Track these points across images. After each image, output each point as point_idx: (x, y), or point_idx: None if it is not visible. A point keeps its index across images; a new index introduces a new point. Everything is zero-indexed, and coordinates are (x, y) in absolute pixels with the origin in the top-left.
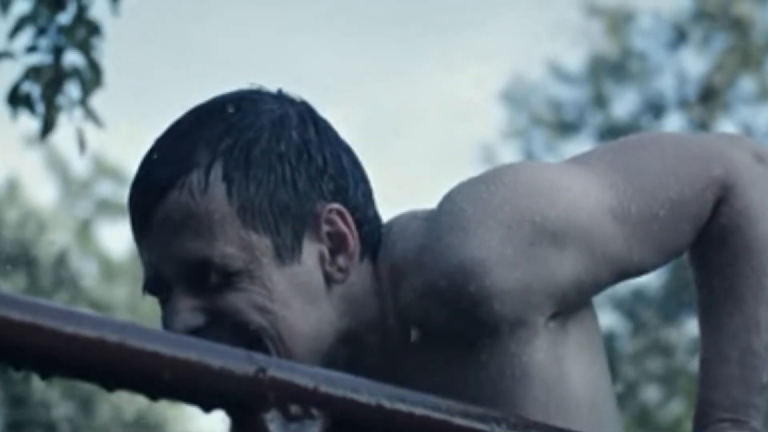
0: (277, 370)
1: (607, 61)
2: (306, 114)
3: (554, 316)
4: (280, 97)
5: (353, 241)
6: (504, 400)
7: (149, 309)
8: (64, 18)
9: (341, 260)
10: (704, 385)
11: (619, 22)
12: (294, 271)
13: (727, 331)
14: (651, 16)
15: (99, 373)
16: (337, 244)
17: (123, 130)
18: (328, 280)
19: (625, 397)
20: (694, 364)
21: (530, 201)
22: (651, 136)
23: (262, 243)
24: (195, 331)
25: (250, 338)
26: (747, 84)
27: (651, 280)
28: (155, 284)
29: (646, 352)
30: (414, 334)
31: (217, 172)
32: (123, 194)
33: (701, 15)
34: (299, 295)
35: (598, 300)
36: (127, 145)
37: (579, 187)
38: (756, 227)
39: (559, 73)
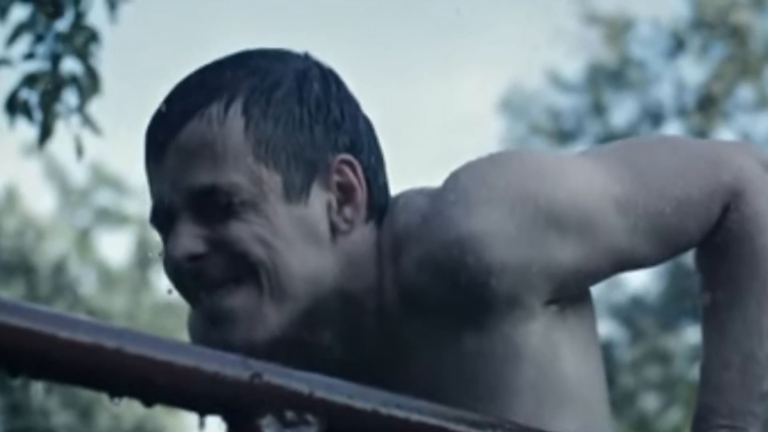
0: (273, 375)
1: (606, 69)
2: (330, 75)
3: (551, 302)
4: (307, 57)
5: (361, 194)
6: (496, 378)
7: (147, 317)
8: (62, 25)
9: (348, 211)
10: (704, 390)
11: (618, 31)
12: (300, 212)
13: (730, 337)
14: (650, 24)
15: (95, 379)
16: (345, 194)
17: (122, 137)
18: (333, 230)
19: (624, 405)
20: (692, 372)
21: (536, 183)
22: (663, 136)
23: (272, 179)
24: (194, 258)
25: (247, 270)
26: (745, 92)
27: (649, 288)
28: (161, 213)
29: (644, 360)
30: (412, 306)
31: (237, 107)
32: (122, 203)
33: (700, 23)
34: (302, 236)
35: (596, 308)
36: (125, 153)
37: (586, 176)
38: (763, 236)
39: (557, 81)
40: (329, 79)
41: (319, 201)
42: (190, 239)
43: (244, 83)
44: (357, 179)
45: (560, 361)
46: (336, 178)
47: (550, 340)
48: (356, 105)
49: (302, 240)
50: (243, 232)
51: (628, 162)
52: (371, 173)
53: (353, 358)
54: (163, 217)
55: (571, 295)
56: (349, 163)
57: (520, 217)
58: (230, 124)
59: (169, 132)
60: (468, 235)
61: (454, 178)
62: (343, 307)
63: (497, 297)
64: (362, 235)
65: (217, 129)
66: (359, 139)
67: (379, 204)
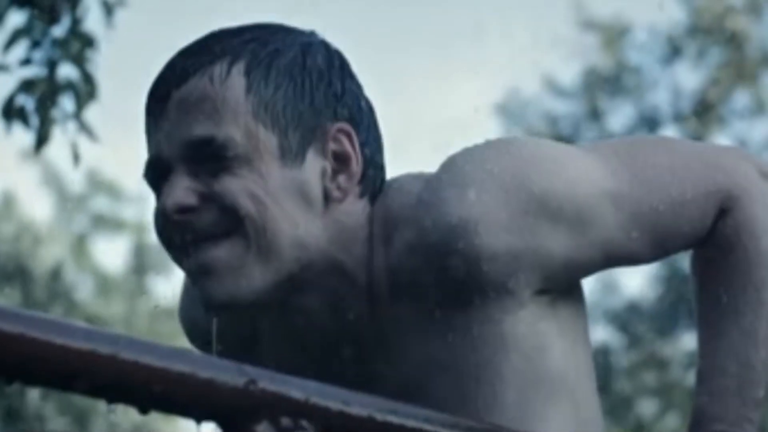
0: (268, 381)
1: (603, 75)
2: (335, 53)
3: (541, 292)
4: (313, 33)
5: (356, 164)
6: (482, 365)
7: (144, 323)
8: (59, 31)
9: (342, 179)
10: (700, 397)
11: (614, 37)
12: (294, 174)
13: (726, 343)
14: (646, 30)
15: (91, 386)
16: (340, 163)
17: (118, 143)
18: (326, 197)
19: (621, 411)
20: (689, 378)
21: (532, 171)
22: (662, 136)
23: (268, 139)
24: (185, 210)
25: (236, 225)
26: (742, 98)
27: (646, 294)
28: (156, 166)
29: (641, 366)
30: (401, 288)
31: (239, 67)
32: (118, 209)
33: (696, 29)
34: (294, 198)
35: (592, 313)
36: (122, 159)
37: (582, 167)
38: (759, 242)
39: (554, 87)
40: (333, 55)
41: (313, 166)
42: (183, 191)
43: (249, 48)
44: (353, 149)
45: (548, 351)
46: (332, 146)
47: (538, 329)
48: (358, 85)
49: (293, 202)
50: (234, 185)
51: (626, 157)
52: (368, 150)
53: (341, 336)
54: (157, 172)
55: (561, 286)
56: (346, 133)
57: (514, 204)
58: (232, 83)
59: (171, 87)
60: (460, 219)
61: (450, 162)
62: (330, 278)
63: (486, 283)
64: (355, 209)
65: (219, 86)
66: (359, 114)
67: (375, 182)
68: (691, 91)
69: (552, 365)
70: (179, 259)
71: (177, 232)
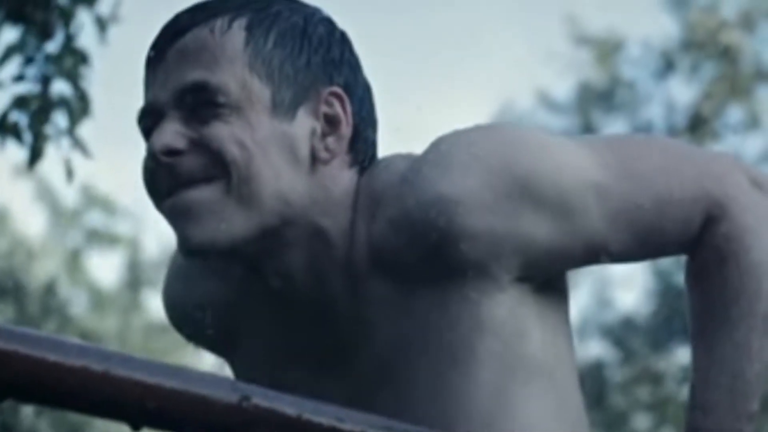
0: (261, 398)
1: (596, 90)
2: (338, 27)
3: (522, 280)
4: (319, 9)
5: (346, 129)
6: (460, 347)
7: (138, 338)
8: (52, 47)
9: (330, 141)
10: (693, 411)
11: (608, 52)
12: (283, 128)
13: (719, 357)
14: (639, 45)
15: (83, 402)
16: (331, 126)
17: (112, 159)
18: (314, 157)
19: (616, 426)
20: (683, 392)
21: (518, 155)
22: (656, 137)
23: (261, 91)
24: (172, 153)
25: (221, 171)
26: (735, 112)
27: (640, 309)
28: (150, 113)
29: (635, 381)
30: (381, 265)
31: (241, 22)
32: (112, 224)
33: (690, 44)
34: (281, 151)
35: (586, 329)
36: (116, 174)
37: (570, 156)
38: (750, 253)
39: (548, 102)
40: (336, 28)
41: (303, 124)
42: (172, 134)
43: (252, 7)
44: (344, 114)
45: (527, 337)
46: (324, 108)
47: (517, 314)
48: (358, 61)
49: (280, 155)
50: (223, 131)
51: (615, 152)
52: (360, 121)
53: (320, 310)
54: (150, 119)
55: (542, 274)
56: (339, 97)
57: (498, 187)
58: (231, 35)
59: (172, 38)
60: (442, 197)
61: (437, 142)
62: (311, 243)
63: (465, 263)
64: (342, 177)
65: (219, 37)
66: (355, 86)
67: (364, 155)
68: (684, 106)
69: (530, 350)
70: (161, 206)
71: (162, 175)
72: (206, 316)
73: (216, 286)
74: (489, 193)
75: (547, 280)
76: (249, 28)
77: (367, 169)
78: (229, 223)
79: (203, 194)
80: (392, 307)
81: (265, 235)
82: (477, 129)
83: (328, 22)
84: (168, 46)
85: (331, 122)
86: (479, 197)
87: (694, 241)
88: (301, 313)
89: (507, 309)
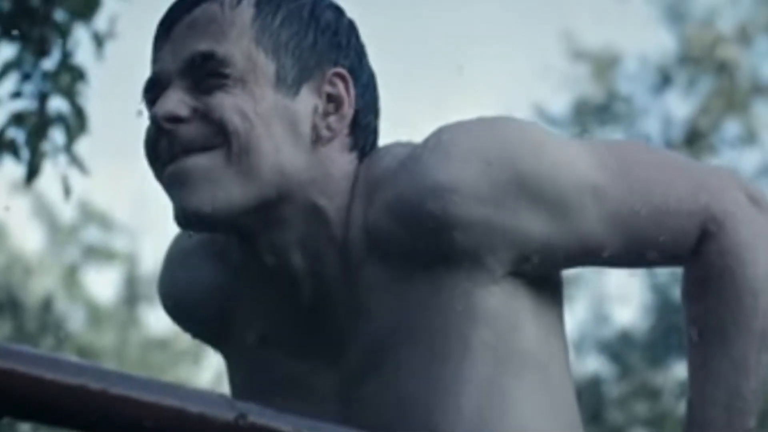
0: (258, 416)
1: (593, 104)
2: (347, 16)
3: (516, 274)
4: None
5: (348, 109)
6: (452, 336)
7: (136, 354)
8: (49, 64)
9: (332, 120)
10: (690, 427)
11: (605, 66)
12: (286, 103)
13: (715, 373)
14: (636, 59)
15: (81, 420)
16: (333, 106)
17: (109, 175)
18: (315, 134)
19: None
20: (681, 408)
21: (518, 149)
22: (658, 148)
23: (267, 65)
24: (175, 120)
25: (221, 140)
26: (732, 127)
27: (637, 324)
28: (156, 83)
29: (633, 396)
30: (376, 250)
31: None
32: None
33: (686, 58)
34: (282, 125)
35: (584, 344)
36: (113, 190)
37: (570, 155)
38: (746, 269)
39: (545, 117)
40: (345, 16)
41: (306, 102)
42: (176, 102)
43: None
44: (347, 94)
45: (520, 329)
46: (327, 87)
47: (510, 307)
48: (364, 53)
49: (281, 128)
50: (226, 101)
51: (616, 156)
52: (363, 107)
53: (313, 292)
54: (156, 89)
55: (536, 270)
56: (343, 78)
57: (495, 178)
58: (240, 10)
59: (182, 12)
60: (439, 184)
61: (438, 131)
62: (308, 221)
63: (459, 252)
64: (342, 159)
65: (228, 11)
66: (359, 71)
67: (365, 140)
68: (681, 120)
69: (523, 343)
70: (160, 175)
71: (164, 142)
72: (203, 302)
73: (213, 273)
74: (486, 184)
75: (541, 276)
76: (258, 5)
77: (367, 155)
78: (227, 192)
79: (203, 162)
80: (386, 292)
81: (262, 207)
82: (480, 121)
83: (337, 9)
84: (178, 19)
85: (334, 102)
86: (476, 188)
87: (690, 255)
88: (296, 297)
89: (500, 301)
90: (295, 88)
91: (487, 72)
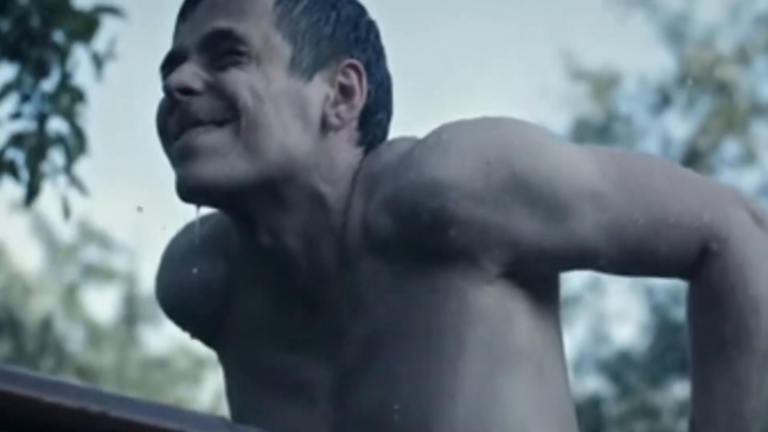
0: None
1: (592, 124)
2: (369, 17)
3: (512, 275)
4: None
5: (359, 100)
6: (447, 334)
7: (135, 373)
8: (48, 85)
9: (342, 109)
10: None
11: (604, 86)
12: (298, 87)
13: (717, 393)
14: (636, 79)
15: None
16: (345, 95)
17: (108, 195)
18: (324, 122)
19: None
20: (680, 427)
21: (519, 151)
22: (664, 159)
23: (283, 48)
24: (187, 92)
25: (231, 116)
26: (732, 147)
27: (637, 344)
28: (174, 56)
29: (632, 416)
30: (373, 245)
31: None
32: (109, 259)
33: (685, 78)
34: (292, 107)
35: (583, 364)
36: (112, 210)
37: (571, 160)
38: (748, 288)
39: None
40: (366, 15)
41: (318, 89)
42: (190, 75)
43: None
44: (359, 86)
45: (515, 327)
46: (340, 78)
47: (505, 307)
48: (383, 53)
49: (291, 111)
50: (240, 78)
51: (619, 164)
52: (375, 103)
53: (311, 283)
54: (173, 65)
55: (531, 271)
56: (357, 70)
57: (493, 178)
58: None
59: None
60: (435, 181)
61: (440, 128)
62: (310, 206)
63: (454, 250)
64: (348, 151)
65: None
66: (375, 69)
67: (374, 136)
68: (680, 140)
69: (518, 342)
70: (169, 149)
71: (175, 114)
72: (201, 299)
73: (211, 270)
74: (483, 184)
75: (538, 276)
76: None
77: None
78: (231, 165)
79: (211, 139)
80: (383, 287)
81: (264, 185)
82: (482, 120)
83: (360, 6)
84: (200, 1)
85: (346, 92)
86: (472, 186)
87: (691, 271)
88: (292, 287)
89: (495, 301)
90: (308, 74)
91: (487, 91)
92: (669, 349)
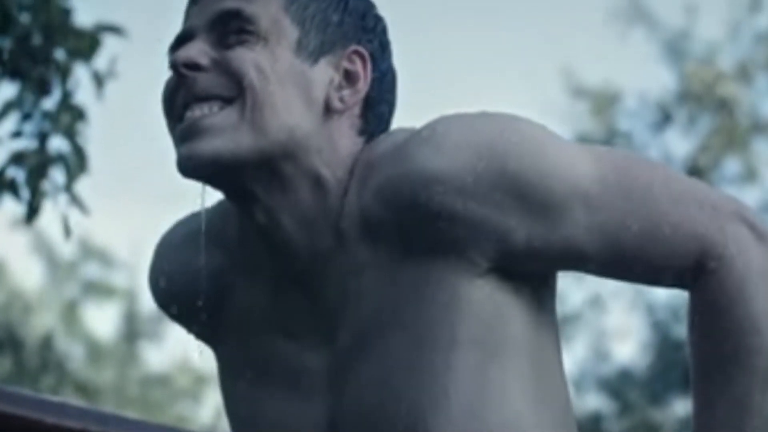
0: None
1: (593, 141)
2: (378, 12)
3: (502, 269)
4: None
5: (363, 86)
6: (438, 327)
7: (135, 392)
8: (49, 103)
9: (346, 93)
10: None
11: (605, 104)
12: (303, 68)
13: (717, 411)
14: (636, 97)
15: None
16: (349, 81)
17: (108, 212)
18: (327, 106)
19: None
20: None
21: (514, 149)
22: (670, 169)
23: (291, 31)
24: (194, 67)
25: (237, 93)
26: (732, 164)
27: (637, 361)
28: (183, 37)
29: None
30: (367, 233)
31: None
32: (109, 276)
33: (686, 96)
34: (297, 88)
35: (584, 381)
36: (112, 227)
37: (569, 160)
38: (748, 306)
39: None
40: (375, 8)
41: (323, 72)
42: (198, 51)
43: None
44: (364, 74)
45: (507, 321)
46: (345, 64)
47: (497, 301)
48: (389, 48)
49: (295, 91)
50: (246, 56)
51: (619, 169)
52: (378, 93)
53: (306, 268)
54: (181, 42)
55: (521, 268)
56: (362, 57)
57: (484, 174)
58: None
59: None
60: (426, 173)
61: (436, 121)
62: (309, 187)
63: (443, 242)
64: (349, 137)
65: None
66: (381, 60)
67: (375, 127)
68: (681, 158)
69: (511, 335)
70: (173, 127)
71: (181, 89)
72: (196, 289)
73: (208, 258)
74: (473, 178)
75: (531, 273)
76: None
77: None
78: (233, 141)
79: (218, 119)
80: (377, 276)
81: (265, 161)
82: (480, 116)
83: (369, 2)
84: None
85: (350, 78)
86: (462, 181)
87: (685, 282)
88: (288, 275)
89: (485, 294)
90: (314, 58)
91: (488, 105)
92: (670, 367)
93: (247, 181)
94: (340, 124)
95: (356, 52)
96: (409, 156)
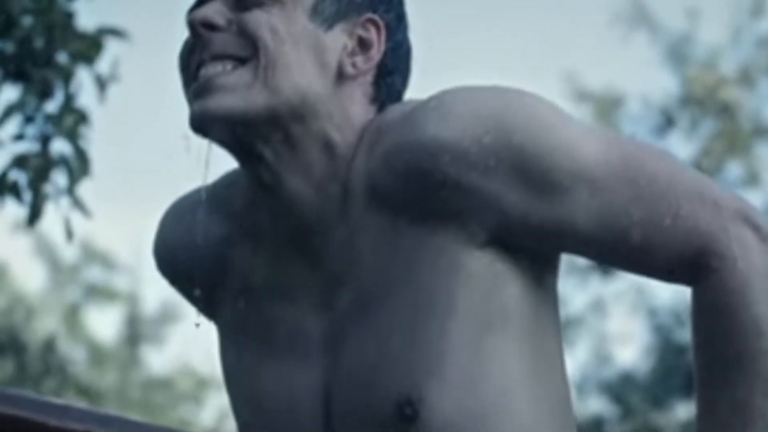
0: None
1: None
2: None
3: (502, 244)
4: None
5: (376, 54)
6: (437, 293)
7: (137, 395)
8: (52, 106)
9: (359, 59)
10: None
11: (607, 108)
12: (318, 32)
13: (719, 417)
14: (639, 101)
15: None
16: (362, 48)
17: (110, 215)
18: (340, 71)
19: None
20: None
21: (520, 122)
22: (679, 161)
23: None
24: (210, 27)
25: (251, 53)
26: (735, 168)
27: (639, 365)
28: (200, 3)
29: None
30: (373, 199)
31: None
32: (111, 279)
33: (689, 100)
34: (310, 51)
35: (586, 385)
36: (114, 231)
37: (576, 141)
38: (750, 309)
39: None
40: None
41: (337, 38)
42: (214, 11)
43: None
44: (378, 42)
45: (506, 296)
46: (360, 31)
47: (496, 272)
48: (406, 21)
49: (309, 54)
50: (261, 17)
51: (626, 155)
52: (391, 63)
53: (311, 229)
54: (200, 5)
55: (521, 244)
56: (376, 25)
57: (490, 145)
58: None
59: None
60: (433, 141)
61: (445, 91)
62: (316, 148)
63: (444, 211)
64: (361, 104)
65: None
66: (396, 30)
67: (387, 97)
68: (684, 161)
69: (509, 307)
70: (188, 84)
71: (197, 48)
72: (200, 256)
73: (211, 226)
74: (478, 149)
75: (531, 249)
76: None
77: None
78: (246, 99)
79: (232, 78)
80: (380, 241)
81: (275, 120)
82: (490, 88)
83: None
84: None
85: (364, 45)
86: (467, 151)
87: (684, 279)
88: (292, 237)
89: (485, 264)
90: (329, 23)
91: None
92: (671, 371)
93: (257, 140)
94: (353, 90)
95: (371, 20)
96: (417, 124)
